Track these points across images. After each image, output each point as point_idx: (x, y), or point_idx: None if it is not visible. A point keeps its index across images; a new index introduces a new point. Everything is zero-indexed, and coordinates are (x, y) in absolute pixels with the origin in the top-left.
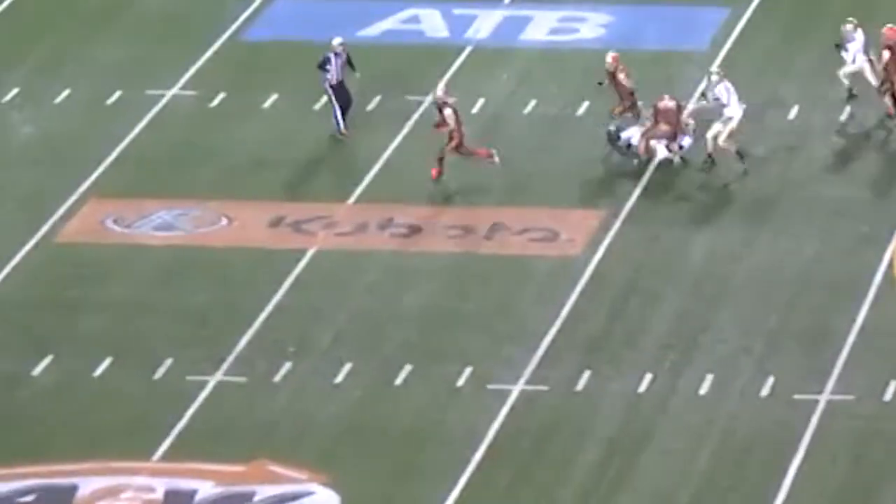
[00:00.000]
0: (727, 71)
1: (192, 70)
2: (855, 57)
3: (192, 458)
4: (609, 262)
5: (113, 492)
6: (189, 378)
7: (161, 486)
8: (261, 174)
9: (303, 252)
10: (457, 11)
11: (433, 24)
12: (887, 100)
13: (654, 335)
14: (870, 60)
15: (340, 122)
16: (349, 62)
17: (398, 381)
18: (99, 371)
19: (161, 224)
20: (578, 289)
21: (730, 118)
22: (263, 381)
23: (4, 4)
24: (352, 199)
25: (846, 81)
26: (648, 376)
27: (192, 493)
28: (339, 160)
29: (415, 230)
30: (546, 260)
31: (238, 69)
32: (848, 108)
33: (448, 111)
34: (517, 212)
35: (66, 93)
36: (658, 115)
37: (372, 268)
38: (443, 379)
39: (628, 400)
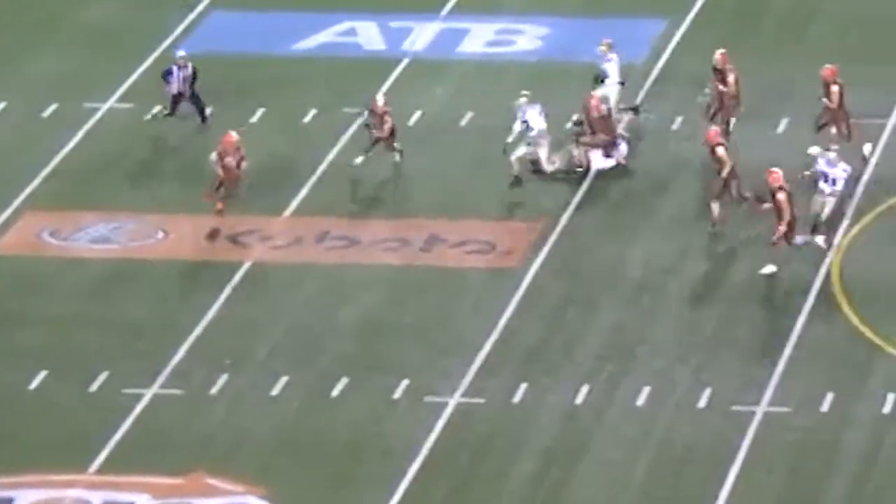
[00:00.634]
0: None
1: (128, 83)
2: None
3: (128, 471)
4: (546, 274)
5: None
6: (125, 391)
7: (98, 499)
8: (197, 187)
9: (239, 265)
10: (393, 24)
11: (370, 37)
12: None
13: (591, 347)
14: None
15: (201, 116)
16: (194, 76)
17: (335, 393)
18: (35, 384)
19: (97, 237)
20: (515, 301)
21: (539, 139)
22: (200, 393)
23: None
24: (288, 212)
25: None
26: (585, 388)
27: None
28: (274, 173)
29: (351, 243)
30: (483, 272)
31: None
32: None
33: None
34: (454, 224)
35: (1, 105)
36: (593, 125)
37: (308, 280)
38: (379, 391)
39: (565, 411)
